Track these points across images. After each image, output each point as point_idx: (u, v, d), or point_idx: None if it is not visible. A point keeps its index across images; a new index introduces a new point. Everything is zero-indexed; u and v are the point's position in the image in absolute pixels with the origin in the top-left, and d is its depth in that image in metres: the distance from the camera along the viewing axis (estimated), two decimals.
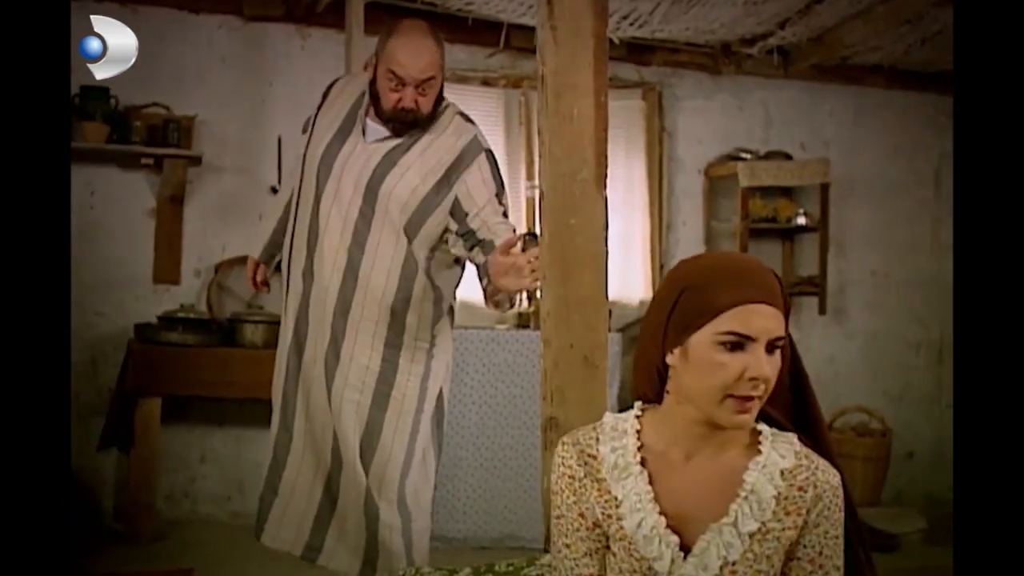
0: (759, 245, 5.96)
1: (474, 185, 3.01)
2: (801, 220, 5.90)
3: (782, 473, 1.67)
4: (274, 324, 4.98)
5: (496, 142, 5.62)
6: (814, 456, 1.70)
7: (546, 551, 2.07)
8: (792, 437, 1.72)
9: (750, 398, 1.62)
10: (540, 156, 2.10)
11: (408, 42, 3.07)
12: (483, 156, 3.07)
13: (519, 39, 5.48)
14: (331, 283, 3.08)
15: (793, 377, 1.72)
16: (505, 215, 3.02)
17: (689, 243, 5.99)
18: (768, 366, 1.61)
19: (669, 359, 1.69)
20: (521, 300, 5.35)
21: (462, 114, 3.17)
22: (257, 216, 5.29)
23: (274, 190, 5.28)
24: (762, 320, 1.62)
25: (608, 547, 1.73)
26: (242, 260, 5.24)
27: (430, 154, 3.06)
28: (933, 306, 6.40)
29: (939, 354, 6.43)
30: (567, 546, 1.74)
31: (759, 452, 1.69)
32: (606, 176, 2.10)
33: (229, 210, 5.26)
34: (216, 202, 5.24)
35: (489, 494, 4.90)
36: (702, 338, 1.63)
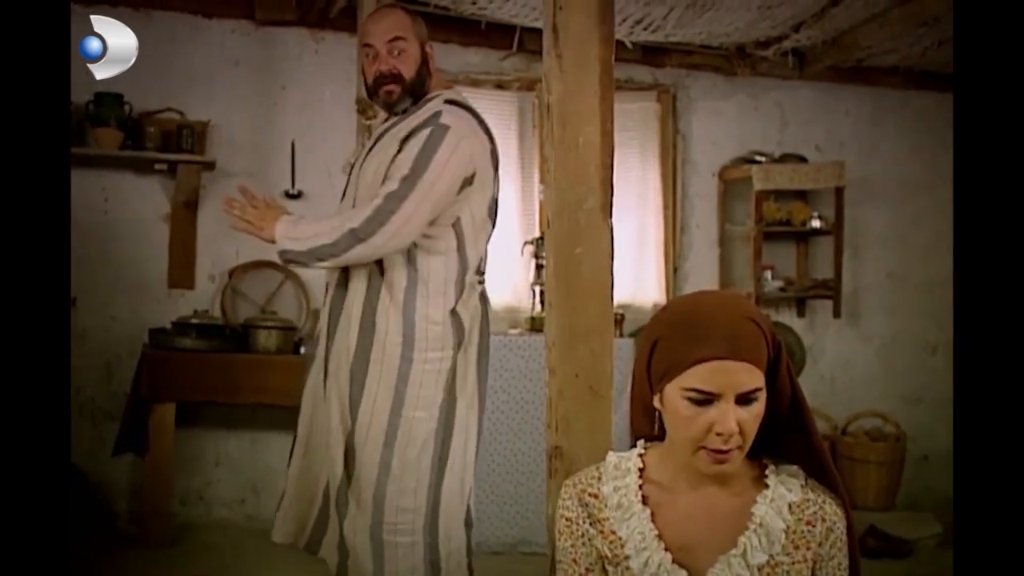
0: (773, 248, 5.94)
1: (403, 157, 2.85)
2: (816, 223, 5.88)
3: (790, 507, 1.68)
4: (287, 330, 5.02)
5: (510, 145, 5.62)
6: (820, 489, 1.72)
7: None
8: (796, 469, 1.73)
9: (724, 450, 1.62)
10: (545, 184, 2.09)
11: (374, 15, 3.15)
12: (429, 131, 2.85)
13: (532, 42, 5.47)
14: (329, 280, 3.08)
15: (792, 408, 1.71)
16: (400, 187, 2.81)
17: (703, 246, 5.97)
18: (735, 421, 1.61)
19: (656, 403, 1.71)
20: (534, 304, 5.37)
21: (452, 100, 2.99)
22: None
23: (288, 194, 5.30)
24: (726, 377, 1.61)
25: None
26: (256, 265, 5.27)
27: (398, 130, 2.94)
28: (949, 308, 6.34)
29: None
30: None
31: (766, 486, 1.71)
32: (612, 204, 2.09)
33: None
34: None
35: (502, 499, 4.90)
36: (672, 390, 1.65)
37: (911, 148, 6.31)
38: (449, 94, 3.03)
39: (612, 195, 2.09)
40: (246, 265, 5.24)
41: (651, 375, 1.70)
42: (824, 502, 1.70)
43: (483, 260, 3.07)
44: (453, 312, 2.94)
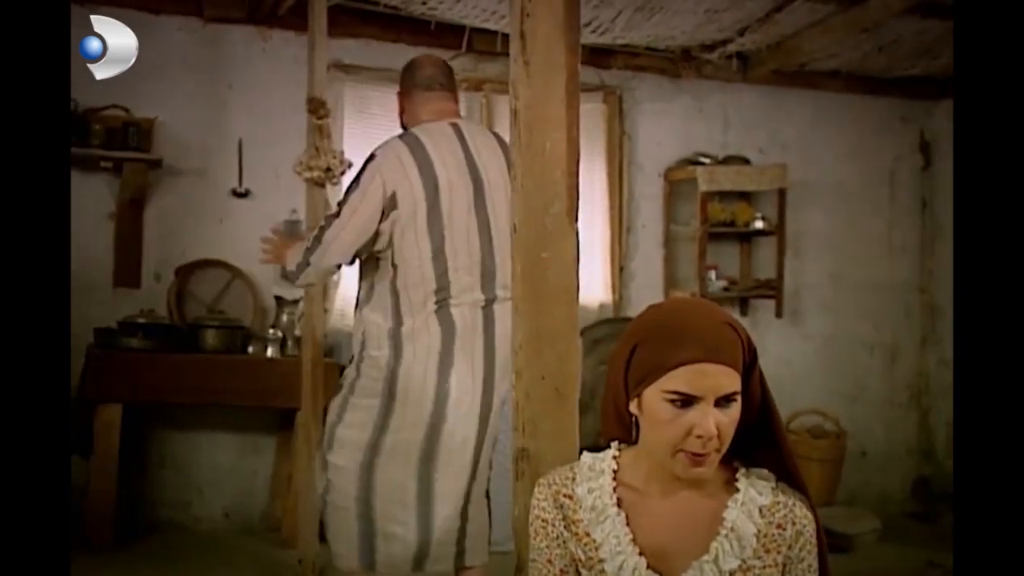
0: (717, 248, 6.03)
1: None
2: (759, 224, 5.98)
3: (760, 510, 1.71)
4: (235, 329, 4.99)
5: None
6: (790, 491, 1.75)
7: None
8: (766, 473, 1.76)
9: (702, 454, 1.65)
10: (513, 190, 2.11)
11: None
12: (362, 164, 3.30)
13: (481, 43, 5.50)
14: None
15: (762, 412, 1.76)
16: (336, 214, 3.25)
17: (648, 246, 6.04)
18: (714, 423, 1.64)
19: (632, 407, 1.74)
20: None
21: (402, 134, 3.36)
22: (218, 219, 5.29)
23: (235, 193, 5.27)
24: (707, 379, 1.64)
25: None
26: (203, 264, 5.23)
27: None
28: (886, 308, 6.51)
29: (892, 355, 6.53)
30: None
31: (737, 490, 1.73)
32: (577, 209, 2.11)
33: (190, 213, 5.23)
34: (176, 205, 5.21)
35: None
36: (652, 394, 1.68)
37: (849, 151, 6.44)
38: (411, 131, 3.34)
39: (578, 201, 2.11)
40: (193, 264, 5.20)
41: (628, 380, 1.72)
42: (794, 505, 1.72)
43: (448, 282, 3.23)
44: (394, 327, 3.26)
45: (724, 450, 1.68)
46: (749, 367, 1.71)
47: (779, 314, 6.03)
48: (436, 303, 3.24)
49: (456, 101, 3.48)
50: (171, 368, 4.75)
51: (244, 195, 5.28)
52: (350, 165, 4.35)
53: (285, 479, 5.02)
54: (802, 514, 1.72)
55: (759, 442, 1.76)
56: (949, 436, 6.38)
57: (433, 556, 3.25)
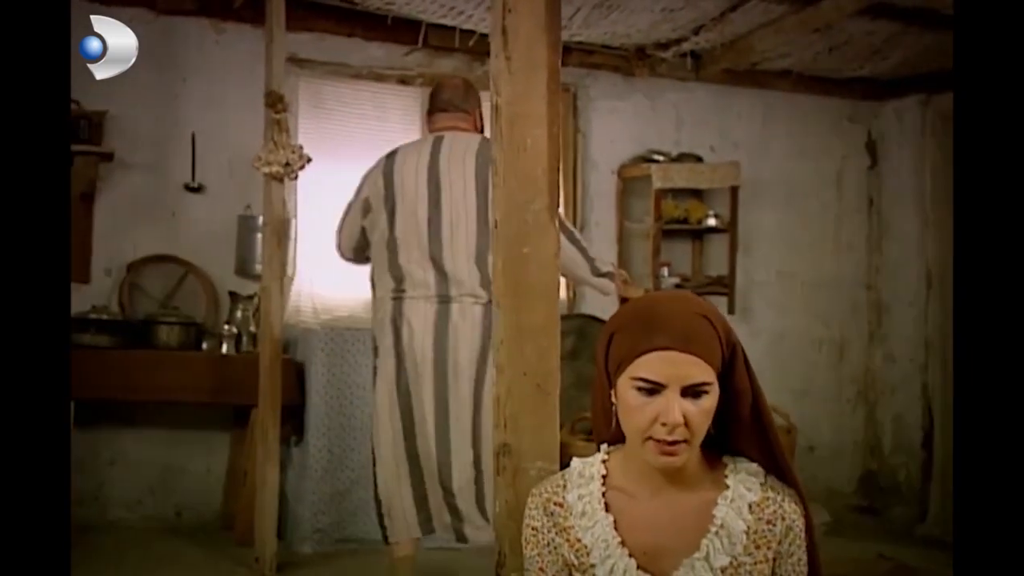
0: (670, 245, 6.07)
1: None
2: (712, 221, 6.03)
3: (750, 507, 1.72)
4: (189, 325, 4.93)
5: (413, 140, 5.62)
6: (779, 486, 1.76)
7: (498, 575, 2.10)
8: (756, 468, 1.77)
9: (671, 442, 1.66)
10: (494, 186, 2.11)
11: None
12: None
13: (436, 38, 5.48)
14: None
15: (752, 408, 1.76)
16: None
17: (602, 242, 6.05)
18: (680, 412, 1.65)
19: (612, 398, 1.75)
20: None
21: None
22: (170, 213, 5.22)
23: (188, 187, 5.20)
24: (672, 368, 1.66)
25: None
26: (155, 259, 5.16)
27: None
28: (834, 305, 6.60)
29: (840, 351, 6.63)
30: None
31: (726, 486, 1.74)
32: (558, 205, 2.12)
33: (141, 208, 5.15)
34: (128, 199, 5.13)
35: None
36: (623, 381, 1.70)
37: (798, 150, 6.52)
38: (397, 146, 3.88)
39: (558, 197, 2.12)
40: (145, 259, 5.13)
41: (608, 368, 1.75)
42: (783, 500, 1.74)
43: (403, 275, 3.67)
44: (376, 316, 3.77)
45: (696, 441, 1.69)
46: (730, 360, 1.72)
47: (731, 311, 6.08)
48: (393, 296, 3.66)
49: (469, 115, 3.87)
50: (124, 365, 4.68)
51: (197, 189, 5.22)
52: (309, 160, 4.33)
53: (240, 477, 4.97)
54: (791, 509, 1.74)
55: (749, 437, 1.77)
56: (894, 431, 6.50)
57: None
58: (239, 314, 5.05)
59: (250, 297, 5.05)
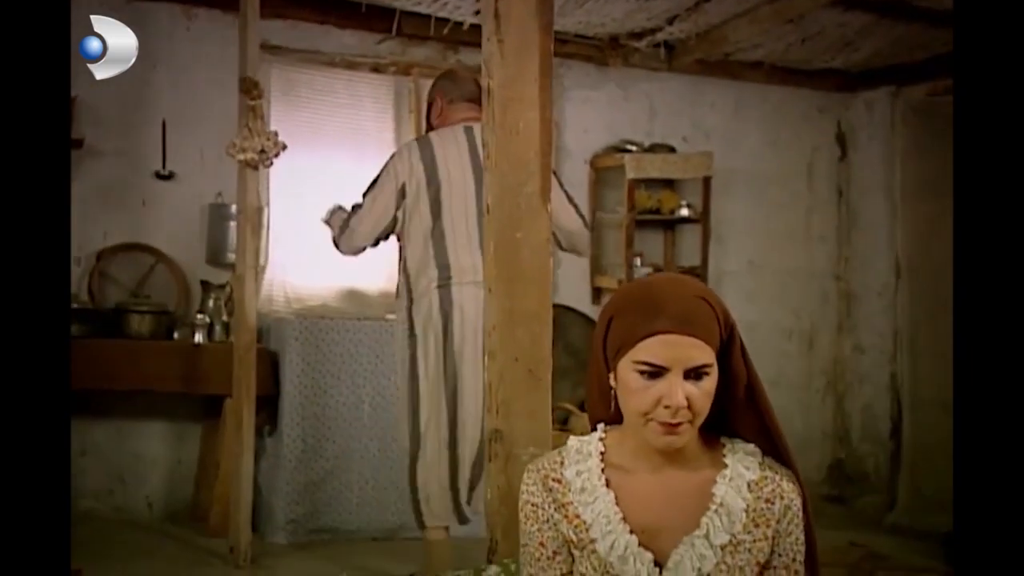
0: (642, 235, 6.06)
1: None
2: (685, 212, 6.04)
3: (749, 485, 1.73)
4: (161, 314, 4.88)
5: (385, 129, 5.60)
6: (776, 466, 1.77)
7: (489, 562, 2.09)
8: (753, 448, 1.77)
9: (673, 423, 1.66)
10: (486, 169, 2.10)
11: None
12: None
13: (410, 26, 5.44)
14: None
15: (748, 389, 1.76)
16: (360, 204, 3.87)
17: None
18: (683, 394, 1.65)
19: (611, 381, 1.75)
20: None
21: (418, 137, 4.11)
22: (140, 201, 5.16)
23: (158, 175, 5.14)
24: (673, 350, 1.66)
25: (576, 570, 1.76)
26: (125, 248, 5.09)
27: None
28: (804, 295, 6.64)
29: (809, 341, 6.67)
30: (531, 575, 1.78)
31: (725, 465, 1.75)
32: (550, 190, 2.11)
33: (111, 195, 5.09)
34: (97, 187, 5.05)
35: (381, 485, 4.89)
36: (625, 365, 1.69)
37: (769, 141, 6.54)
38: (426, 134, 3.96)
39: (550, 181, 2.11)
40: (115, 247, 5.06)
41: (607, 352, 1.74)
42: (781, 479, 1.74)
43: (448, 262, 3.73)
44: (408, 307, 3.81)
45: (698, 422, 1.69)
46: (728, 343, 1.72)
47: None
48: (439, 284, 3.72)
49: (481, 108, 3.84)
50: (94, 354, 4.60)
51: (168, 177, 5.15)
52: (284, 147, 4.30)
53: (212, 467, 4.92)
54: (790, 488, 1.74)
55: (746, 418, 1.77)
56: (863, 421, 6.55)
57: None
58: (211, 303, 5.00)
59: (222, 286, 5.00)
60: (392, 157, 3.88)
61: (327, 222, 4.06)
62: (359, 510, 4.89)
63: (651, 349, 1.66)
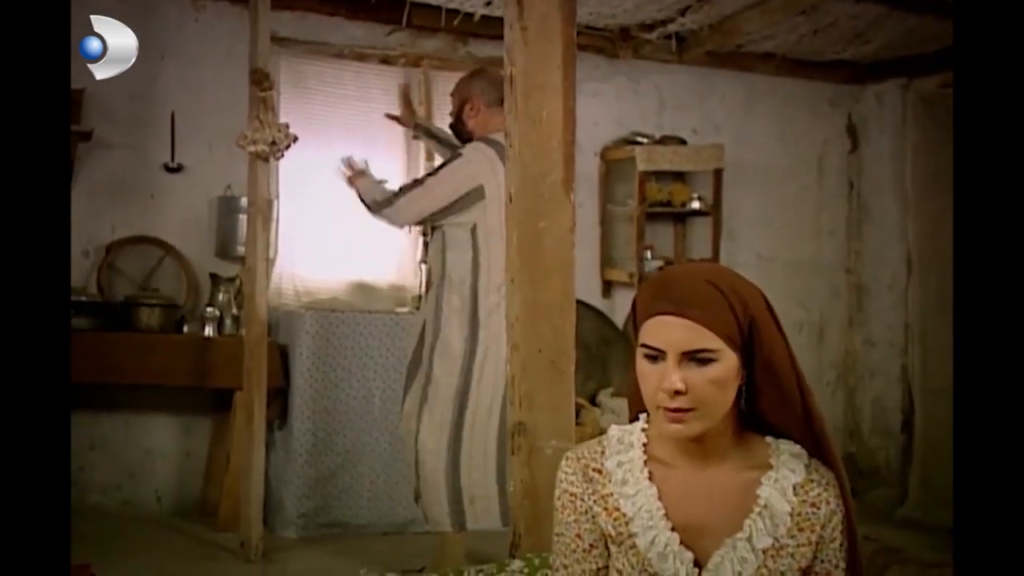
0: (652, 227, 6.03)
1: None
2: (696, 204, 6.00)
3: (794, 488, 1.66)
4: (170, 307, 4.85)
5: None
6: (822, 469, 1.70)
7: (512, 556, 2.06)
8: (799, 449, 1.70)
9: (676, 410, 1.60)
10: (509, 159, 2.07)
11: None
12: (449, 157, 3.96)
13: (420, 17, 5.40)
14: None
15: (790, 386, 1.68)
16: (418, 182, 3.95)
17: (584, 225, 5.99)
18: (679, 379, 1.59)
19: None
20: (421, 282, 5.32)
21: (481, 139, 3.87)
22: (149, 194, 5.13)
23: (167, 167, 5.12)
24: (667, 332, 1.61)
25: (612, 565, 1.71)
26: (134, 240, 5.07)
27: None
28: (814, 288, 6.61)
29: (820, 334, 6.64)
30: (564, 566, 1.72)
31: (770, 466, 1.68)
32: (573, 179, 2.08)
33: (120, 188, 5.06)
34: (106, 179, 5.03)
35: (392, 480, 4.86)
36: (638, 350, 1.66)
37: (779, 134, 6.50)
38: (494, 139, 3.74)
39: (573, 170, 2.08)
40: (123, 240, 5.04)
41: (637, 339, 1.70)
42: (828, 483, 1.68)
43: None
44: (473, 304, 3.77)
45: (707, 412, 1.61)
46: (751, 333, 1.64)
47: None
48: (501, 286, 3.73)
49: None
50: (103, 347, 4.58)
51: (177, 170, 5.13)
52: (295, 139, 4.27)
53: (222, 461, 4.90)
54: (835, 493, 1.67)
55: (789, 418, 1.70)
56: (873, 415, 6.52)
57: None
58: (221, 296, 4.97)
59: (232, 279, 4.97)
60: (466, 154, 3.83)
61: (353, 182, 4.04)
62: (370, 504, 4.87)
63: (650, 331, 1.63)
